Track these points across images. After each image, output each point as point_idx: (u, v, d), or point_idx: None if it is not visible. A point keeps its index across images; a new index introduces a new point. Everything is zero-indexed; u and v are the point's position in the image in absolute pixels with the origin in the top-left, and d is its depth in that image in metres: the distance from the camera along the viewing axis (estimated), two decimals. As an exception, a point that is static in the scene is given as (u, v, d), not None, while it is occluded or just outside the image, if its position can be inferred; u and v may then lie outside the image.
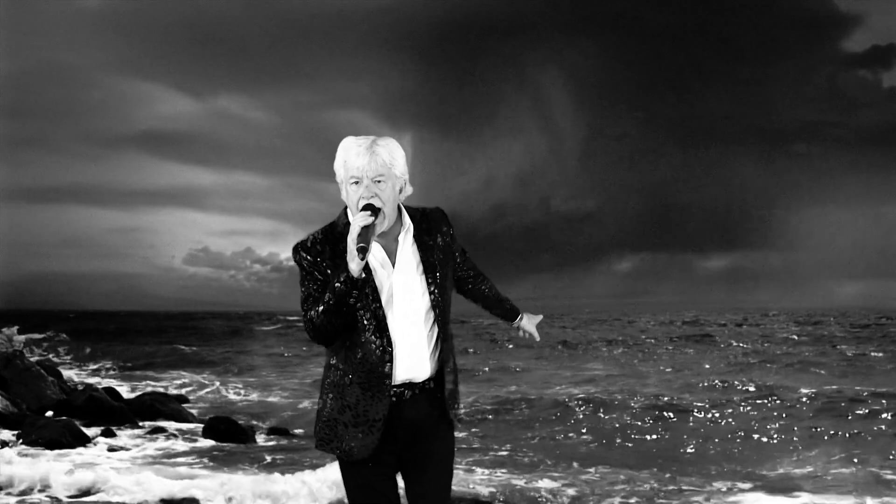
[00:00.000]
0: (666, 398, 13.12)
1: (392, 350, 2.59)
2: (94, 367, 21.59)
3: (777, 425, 11.08)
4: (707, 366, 19.69)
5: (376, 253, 2.60)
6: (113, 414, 10.48)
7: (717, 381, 15.08)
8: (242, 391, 15.53)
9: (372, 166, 2.54)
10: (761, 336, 32.01)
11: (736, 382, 14.84)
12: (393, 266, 2.62)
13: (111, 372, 20.20)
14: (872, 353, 22.26)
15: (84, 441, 9.02)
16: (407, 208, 2.70)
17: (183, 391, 15.38)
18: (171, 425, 10.64)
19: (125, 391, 13.86)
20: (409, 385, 2.65)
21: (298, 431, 10.84)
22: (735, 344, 27.59)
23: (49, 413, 10.28)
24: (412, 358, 2.62)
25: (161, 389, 14.97)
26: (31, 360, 12.97)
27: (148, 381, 17.40)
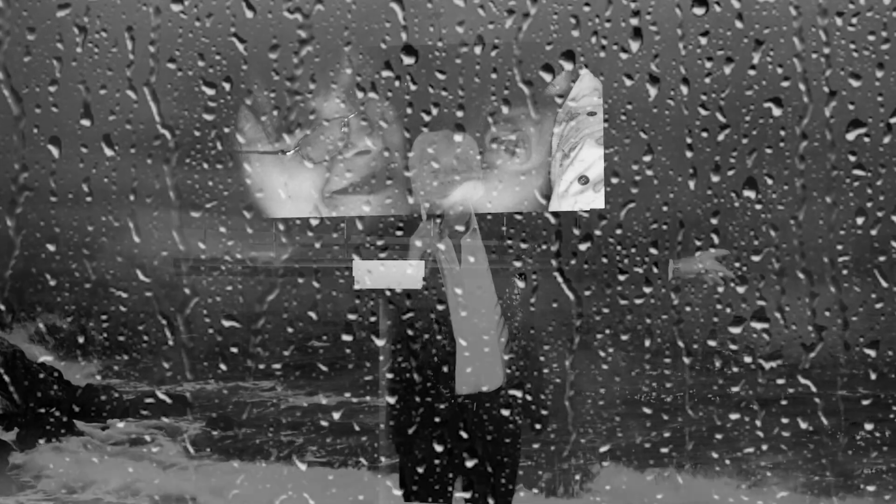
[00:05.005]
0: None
1: (455, 350, 2.38)
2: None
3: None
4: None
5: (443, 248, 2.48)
6: (114, 410, 10.36)
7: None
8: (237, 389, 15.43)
9: None
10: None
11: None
12: (459, 264, 2.45)
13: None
14: None
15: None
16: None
17: (178, 389, 15.25)
18: (170, 424, 10.54)
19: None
20: (476, 396, 2.42)
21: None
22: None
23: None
24: (478, 362, 2.41)
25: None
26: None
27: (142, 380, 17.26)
